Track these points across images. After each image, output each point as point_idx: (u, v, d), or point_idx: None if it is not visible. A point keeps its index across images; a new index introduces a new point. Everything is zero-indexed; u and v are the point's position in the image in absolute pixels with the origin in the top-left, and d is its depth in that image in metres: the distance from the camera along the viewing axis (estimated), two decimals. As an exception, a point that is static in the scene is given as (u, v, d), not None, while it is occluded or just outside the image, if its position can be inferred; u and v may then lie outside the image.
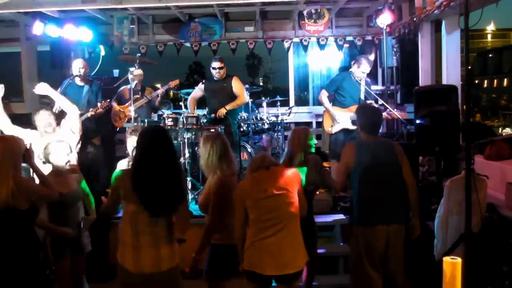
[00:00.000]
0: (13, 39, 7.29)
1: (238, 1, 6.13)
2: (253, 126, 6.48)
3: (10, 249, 2.90)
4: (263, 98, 7.08)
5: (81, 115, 5.76)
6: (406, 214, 3.61)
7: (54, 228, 3.51)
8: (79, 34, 6.83)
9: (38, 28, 6.26)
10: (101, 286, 4.17)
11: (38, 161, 3.50)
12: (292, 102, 8.17)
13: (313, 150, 3.94)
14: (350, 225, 3.73)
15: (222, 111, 5.87)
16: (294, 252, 3.04)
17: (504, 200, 4.28)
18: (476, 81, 39.07)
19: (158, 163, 2.81)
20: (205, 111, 6.46)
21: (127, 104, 6.19)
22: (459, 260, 2.06)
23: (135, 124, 5.52)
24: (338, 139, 5.76)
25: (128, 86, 6.20)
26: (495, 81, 40.04)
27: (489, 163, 4.95)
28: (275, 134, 6.77)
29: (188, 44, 7.84)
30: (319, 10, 7.62)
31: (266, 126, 6.62)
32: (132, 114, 5.73)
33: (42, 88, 4.72)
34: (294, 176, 3.14)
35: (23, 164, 3.12)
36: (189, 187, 5.66)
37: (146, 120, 6.10)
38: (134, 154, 2.94)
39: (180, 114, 5.79)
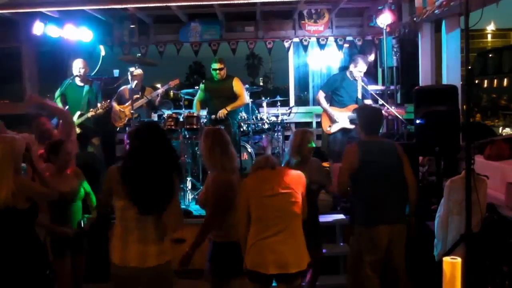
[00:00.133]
0: (13, 39, 7.28)
1: (238, 1, 6.12)
2: (253, 126, 6.48)
3: (10, 249, 2.90)
4: (263, 98, 7.08)
5: (81, 115, 5.78)
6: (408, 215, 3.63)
7: (54, 227, 3.51)
8: (79, 34, 6.84)
9: (38, 28, 6.26)
10: (101, 286, 4.17)
11: None
12: (292, 102, 8.17)
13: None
14: (351, 225, 3.72)
15: (223, 112, 5.87)
16: (297, 251, 3.04)
17: (504, 200, 4.28)
18: (476, 81, 39.07)
19: (148, 160, 2.80)
20: (205, 112, 6.46)
21: (127, 104, 6.19)
22: (459, 260, 2.06)
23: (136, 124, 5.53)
24: (337, 138, 5.77)
25: (128, 86, 6.21)
26: (495, 81, 40.05)
27: (489, 163, 4.94)
28: (275, 134, 6.77)
29: (188, 44, 7.84)
30: (319, 10, 7.62)
31: (266, 126, 6.62)
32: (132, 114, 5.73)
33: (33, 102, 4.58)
34: (299, 178, 3.16)
35: (23, 164, 3.12)
36: (189, 187, 5.67)
37: (145, 120, 6.11)
38: (127, 149, 2.96)
39: (180, 114, 5.79)
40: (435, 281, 2.47)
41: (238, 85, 6.07)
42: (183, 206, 5.39)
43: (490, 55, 40.33)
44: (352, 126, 5.74)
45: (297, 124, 7.84)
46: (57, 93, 5.96)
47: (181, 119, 5.60)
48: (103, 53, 7.62)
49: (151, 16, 7.76)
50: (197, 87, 6.49)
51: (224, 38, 7.77)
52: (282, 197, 3.03)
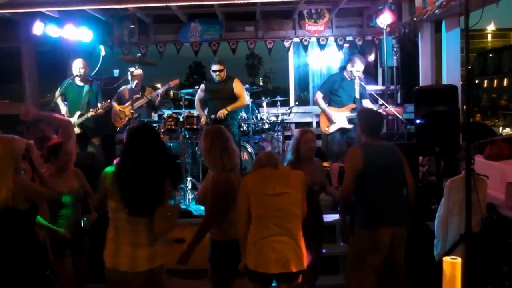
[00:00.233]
0: (13, 39, 7.29)
1: (238, 1, 6.12)
2: (253, 126, 6.48)
3: (10, 249, 2.89)
4: (263, 98, 7.08)
5: (81, 115, 5.78)
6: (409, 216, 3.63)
7: (50, 228, 3.50)
8: (79, 34, 6.84)
9: (38, 28, 6.26)
10: (101, 286, 4.17)
11: None
12: (292, 102, 8.17)
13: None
14: (351, 225, 3.71)
15: (224, 112, 5.87)
16: (297, 250, 3.05)
17: (504, 200, 4.28)
18: (476, 81, 39.08)
19: (141, 163, 2.81)
20: (205, 112, 6.46)
21: (127, 104, 6.19)
22: (459, 260, 2.06)
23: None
24: (335, 138, 5.78)
25: (128, 86, 6.21)
26: (495, 81, 40.06)
27: (489, 163, 4.95)
28: (275, 134, 6.77)
29: (188, 44, 7.84)
30: (319, 10, 7.62)
31: (266, 126, 6.62)
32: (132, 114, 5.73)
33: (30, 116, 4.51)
34: (300, 178, 3.16)
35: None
36: (189, 187, 5.67)
37: (146, 120, 6.11)
38: (120, 151, 2.96)
39: (180, 114, 5.79)
40: (435, 281, 2.47)
41: (238, 86, 6.06)
42: (183, 206, 5.39)
43: (490, 55, 40.35)
44: (351, 126, 5.75)
45: (297, 124, 7.85)
46: (57, 93, 5.96)
47: (181, 119, 5.60)
48: (103, 53, 7.62)
49: (151, 16, 7.77)
50: (197, 87, 6.49)
51: (224, 38, 7.77)
52: (283, 197, 3.03)
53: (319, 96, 5.89)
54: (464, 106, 4.08)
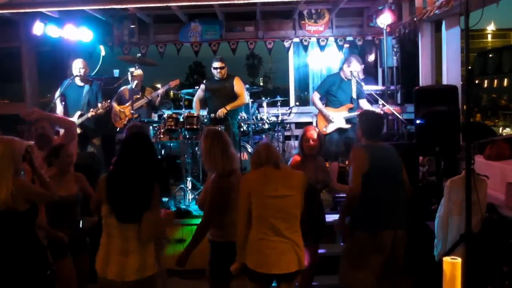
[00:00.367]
0: (13, 39, 7.29)
1: (238, 1, 6.13)
2: (253, 126, 6.48)
3: (10, 250, 2.89)
4: (263, 98, 7.08)
5: (81, 115, 5.78)
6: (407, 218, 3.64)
7: (50, 230, 3.49)
8: (79, 34, 6.84)
9: (38, 28, 6.26)
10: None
11: None
12: (292, 102, 8.17)
13: None
14: (351, 225, 3.71)
15: (223, 111, 5.87)
16: (297, 250, 3.06)
17: (504, 200, 4.28)
18: (476, 81, 39.08)
19: (129, 169, 2.83)
20: (205, 112, 6.45)
21: (127, 104, 6.19)
22: (459, 260, 2.06)
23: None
24: (333, 139, 5.79)
25: (128, 86, 6.21)
26: (495, 81, 40.08)
27: (489, 163, 4.95)
28: (275, 134, 6.77)
29: (188, 44, 7.84)
30: (319, 10, 7.61)
31: (266, 126, 6.62)
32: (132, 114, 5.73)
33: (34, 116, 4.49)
34: (302, 179, 3.17)
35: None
36: (189, 187, 5.67)
37: (146, 120, 6.11)
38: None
39: (180, 114, 5.79)
40: (435, 281, 2.47)
41: (238, 84, 6.07)
42: (183, 206, 5.39)
43: (490, 55, 40.26)
44: (348, 126, 5.75)
45: (297, 124, 7.85)
46: (57, 93, 5.96)
47: (181, 119, 5.60)
48: (103, 53, 7.63)
49: (151, 16, 7.77)
50: (197, 87, 6.49)
51: (224, 38, 7.77)
52: (285, 199, 3.03)
53: (316, 96, 5.91)
54: (464, 106, 4.08)
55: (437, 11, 5.30)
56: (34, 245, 3.03)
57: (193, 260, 3.29)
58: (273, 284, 3.12)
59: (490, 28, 58.35)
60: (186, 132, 5.62)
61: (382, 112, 5.72)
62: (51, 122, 4.37)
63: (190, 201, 5.54)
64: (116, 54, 7.54)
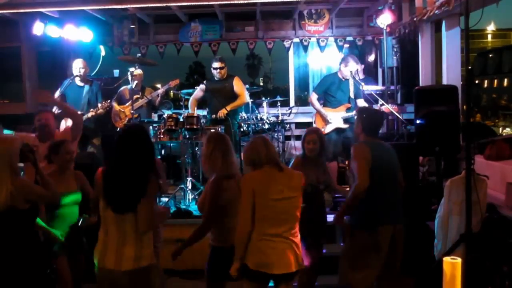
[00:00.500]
0: (13, 39, 7.29)
1: (238, 1, 6.13)
2: (253, 126, 6.48)
3: (10, 248, 2.89)
4: (263, 98, 7.08)
5: (81, 115, 5.77)
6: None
7: (46, 229, 3.49)
8: (79, 34, 6.84)
9: (38, 28, 6.26)
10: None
11: None
12: (292, 102, 8.17)
13: None
14: (351, 225, 3.71)
15: (223, 112, 5.87)
16: (296, 250, 3.07)
17: (504, 200, 4.28)
18: (476, 81, 39.10)
19: (122, 160, 2.85)
20: (205, 112, 6.46)
21: (127, 104, 6.19)
22: (459, 260, 2.06)
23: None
24: (331, 139, 5.79)
25: (128, 86, 6.21)
26: (495, 81, 40.09)
27: (489, 163, 4.95)
28: (275, 134, 6.77)
29: (188, 44, 7.84)
30: (319, 10, 7.62)
31: (266, 126, 6.62)
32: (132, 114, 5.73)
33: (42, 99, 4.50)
34: (301, 179, 3.17)
35: (21, 164, 3.11)
36: (189, 187, 5.67)
37: (146, 120, 6.11)
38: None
39: (180, 114, 5.79)
40: (435, 281, 2.47)
41: (238, 84, 6.07)
42: (183, 206, 5.39)
43: (490, 55, 40.36)
44: (346, 126, 5.76)
45: (297, 124, 7.85)
46: (57, 93, 5.95)
47: (181, 119, 5.60)
48: (103, 53, 7.63)
49: (151, 16, 7.77)
50: (197, 87, 6.49)
51: (224, 38, 7.77)
52: (289, 201, 3.04)
53: (314, 97, 5.92)
54: (464, 106, 4.08)
55: (437, 11, 5.30)
56: (35, 244, 3.03)
57: (193, 260, 3.30)
58: (270, 284, 3.12)
59: (490, 28, 58.36)
60: (186, 132, 5.62)
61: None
62: (65, 112, 4.33)
63: (190, 201, 5.54)
64: (116, 54, 7.55)
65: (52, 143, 3.79)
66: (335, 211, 5.18)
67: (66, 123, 4.93)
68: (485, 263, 3.51)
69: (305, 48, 7.90)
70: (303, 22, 7.68)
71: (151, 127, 5.99)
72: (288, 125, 7.52)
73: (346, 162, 5.78)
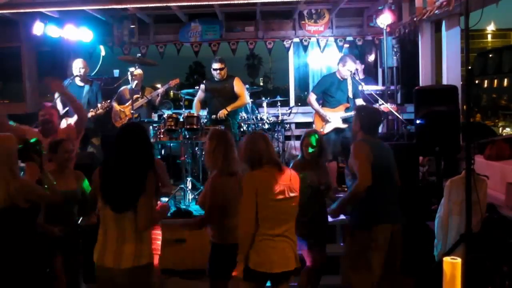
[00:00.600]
0: (13, 39, 7.29)
1: (238, 1, 6.13)
2: (253, 126, 6.48)
3: (10, 246, 2.89)
4: (263, 98, 7.08)
5: (85, 111, 5.77)
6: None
7: (44, 226, 3.48)
8: (79, 34, 6.84)
9: (38, 28, 6.26)
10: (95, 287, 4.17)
11: None
12: (292, 102, 8.17)
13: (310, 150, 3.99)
14: (351, 225, 3.71)
15: (224, 112, 5.87)
16: (295, 249, 3.09)
17: (504, 200, 4.28)
18: (476, 81, 39.10)
19: (119, 159, 2.85)
20: (205, 112, 6.45)
21: (127, 104, 6.19)
22: (459, 260, 2.06)
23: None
24: (330, 139, 5.79)
25: (128, 86, 6.21)
26: (495, 81, 40.10)
27: (489, 163, 4.95)
28: (275, 134, 6.77)
29: (188, 44, 7.84)
30: (319, 10, 7.62)
31: (266, 126, 6.62)
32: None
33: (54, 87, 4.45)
34: (299, 180, 3.18)
35: (22, 164, 3.11)
36: (189, 187, 5.67)
37: (146, 120, 6.11)
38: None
39: (180, 114, 5.79)
40: (435, 281, 2.47)
41: (239, 85, 6.07)
42: (183, 206, 5.39)
43: (490, 55, 40.38)
44: (345, 126, 5.75)
45: (297, 124, 7.85)
46: (57, 93, 5.95)
47: (181, 119, 5.60)
48: (103, 53, 7.63)
49: (151, 16, 7.77)
50: (197, 87, 6.49)
51: (224, 38, 7.77)
52: (289, 201, 3.05)
53: (312, 97, 5.91)
54: (464, 106, 4.08)
55: (437, 11, 5.30)
56: (34, 243, 3.03)
57: (193, 260, 3.30)
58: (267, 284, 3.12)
59: (490, 28, 58.36)
60: (186, 132, 5.62)
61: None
62: (72, 105, 4.29)
63: (190, 201, 5.54)
64: (116, 54, 7.55)
65: (50, 142, 3.78)
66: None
67: (67, 122, 4.93)
68: (485, 263, 3.51)
69: (305, 48, 7.90)
70: (303, 22, 7.68)
71: (151, 127, 6.00)
72: (288, 125, 7.52)
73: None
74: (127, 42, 7.66)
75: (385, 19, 6.37)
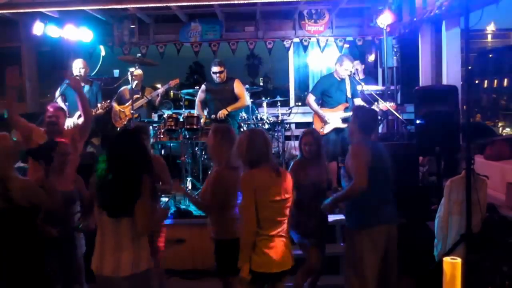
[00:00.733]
0: (13, 39, 7.29)
1: (238, 1, 6.13)
2: (253, 126, 6.48)
3: (10, 245, 2.89)
4: (263, 98, 7.08)
5: (81, 115, 5.77)
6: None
7: (40, 225, 3.47)
8: (79, 34, 6.83)
9: (38, 28, 6.26)
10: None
11: None
12: (292, 102, 8.17)
13: None
14: (349, 226, 3.70)
15: (224, 112, 5.87)
16: (290, 248, 3.10)
17: (504, 200, 4.29)
18: (476, 81, 39.09)
19: (115, 165, 2.83)
20: (205, 112, 6.45)
21: (127, 104, 6.19)
22: (459, 260, 2.06)
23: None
24: (330, 139, 5.79)
25: (128, 86, 6.20)
26: (495, 81, 40.06)
27: (489, 163, 4.96)
28: (275, 134, 6.77)
29: (188, 44, 7.85)
30: (319, 10, 7.62)
31: (266, 126, 6.62)
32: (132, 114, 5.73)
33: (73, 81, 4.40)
34: (291, 181, 3.18)
35: (22, 164, 3.11)
36: (189, 187, 5.68)
37: (146, 120, 6.11)
38: None
39: (180, 114, 5.80)
40: (435, 281, 2.47)
41: (239, 87, 6.06)
42: (183, 206, 5.39)
43: (490, 55, 40.37)
44: (345, 125, 5.75)
45: (297, 124, 7.84)
46: (57, 93, 5.95)
47: (181, 119, 5.60)
48: (103, 53, 7.63)
49: (151, 16, 7.77)
50: (197, 87, 6.49)
51: (224, 38, 7.77)
52: (285, 202, 3.06)
53: (311, 98, 5.91)
54: (464, 106, 4.09)
55: (437, 11, 5.30)
56: (35, 242, 3.03)
57: (193, 260, 3.29)
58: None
59: (490, 28, 58.34)
60: (186, 132, 5.62)
61: (378, 109, 5.75)
62: (83, 107, 4.26)
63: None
64: (116, 54, 7.55)
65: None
66: (335, 212, 5.20)
67: (74, 122, 4.93)
68: (485, 263, 3.51)
69: (305, 48, 7.91)
70: (303, 22, 7.69)
71: (151, 127, 6.00)
72: (288, 125, 7.53)
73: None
74: (127, 42, 7.66)
75: (385, 19, 6.37)
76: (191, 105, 6.70)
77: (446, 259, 2.07)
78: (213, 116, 5.97)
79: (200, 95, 6.31)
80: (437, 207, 3.81)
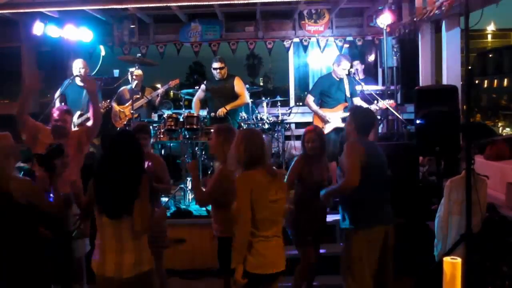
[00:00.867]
0: (13, 39, 7.29)
1: (238, 1, 6.13)
2: (253, 126, 6.48)
3: (10, 244, 2.89)
4: (263, 98, 7.08)
5: (81, 115, 5.78)
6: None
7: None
8: (79, 34, 6.84)
9: (38, 28, 6.26)
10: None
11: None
12: (292, 102, 8.17)
13: None
14: (345, 227, 3.70)
15: (223, 110, 5.87)
16: (284, 249, 3.10)
17: (504, 200, 4.29)
18: (476, 81, 39.11)
19: (113, 166, 2.83)
20: (205, 112, 6.45)
21: (127, 104, 6.19)
22: (459, 260, 2.06)
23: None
24: (330, 139, 5.79)
25: (128, 86, 6.21)
26: (495, 81, 40.09)
27: (489, 163, 4.95)
28: (275, 134, 6.77)
29: (188, 44, 7.85)
30: (319, 10, 7.63)
31: (266, 126, 6.62)
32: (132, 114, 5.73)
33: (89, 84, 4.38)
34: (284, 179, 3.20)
35: (22, 164, 3.11)
36: (189, 187, 5.67)
37: (146, 120, 6.11)
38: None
39: (180, 114, 5.80)
40: (435, 281, 2.47)
41: (239, 84, 6.07)
42: (183, 206, 5.39)
43: (490, 55, 40.41)
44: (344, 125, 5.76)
45: (297, 124, 7.84)
46: (57, 93, 5.95)
47: (181, 119, 5.60)
48: (103, 53, 7.62)
49: (151, 16, 7.77)
50: (197, 87, 6.49)
51: (224, 38, 7.78)
52: (280, 202, 3.06)
53: (310, 99, 5.92)
54: (464, 106, 4.08)
55: (437, 11, 5.30)
56: (35, 242, 3.03)
57: (193, 260, 3.29)
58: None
59: (490, 28, 58.33)
60: (186, 132, 5.62)
61: (377, 109, 5.75)
62: (94, 109, 4.23)
63: (190, 201, 5.54)
64: (116, 54, 7.56)
65: (46, 147, 3.76)
66: (336, 211, 5.20)
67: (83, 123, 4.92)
68: (485, 263, 3.51)
69: (305, 48, 7.91)
70: (303, 22, 7.69)
71: (151, 127, 6.00)
72: (288, 125, 7.53)
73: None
74: (127, 42, 7.66)
75: (385, 19, 6.37)
76: (191, 105, 6.69)
77: (446, 259, 2.07)
78: (212, 114, 5.98)
79: (199, 93, 6.32)
80: (437, 207, 3.81)
